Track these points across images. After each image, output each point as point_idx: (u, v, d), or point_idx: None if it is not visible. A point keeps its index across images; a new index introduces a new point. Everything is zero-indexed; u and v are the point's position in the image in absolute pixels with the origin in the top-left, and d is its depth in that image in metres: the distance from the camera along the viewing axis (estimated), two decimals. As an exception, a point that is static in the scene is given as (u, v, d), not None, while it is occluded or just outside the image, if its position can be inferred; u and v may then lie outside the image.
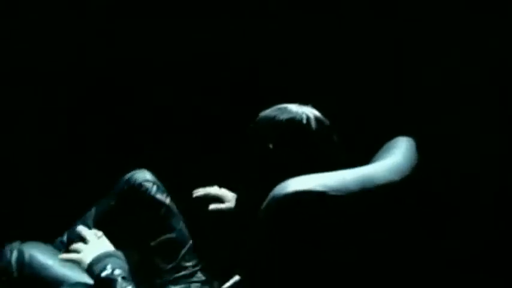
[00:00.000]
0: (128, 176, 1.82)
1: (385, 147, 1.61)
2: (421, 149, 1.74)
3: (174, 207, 1.78)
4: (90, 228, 1.72)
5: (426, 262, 2.25)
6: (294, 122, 1.33)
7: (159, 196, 1.75)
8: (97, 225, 1.76)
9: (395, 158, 1.47)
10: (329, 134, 1.37)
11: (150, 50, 2.59)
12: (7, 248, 1.62)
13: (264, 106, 1.59)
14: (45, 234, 2.46)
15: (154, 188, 1.77)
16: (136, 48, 2.59)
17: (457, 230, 2.39)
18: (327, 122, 1.38)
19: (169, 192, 1.89)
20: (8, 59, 2.51)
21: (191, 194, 2.09)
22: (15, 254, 1.56)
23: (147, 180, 1.78)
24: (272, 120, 1.36)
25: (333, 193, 1.15)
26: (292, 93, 2.40)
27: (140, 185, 1.77)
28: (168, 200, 1.76)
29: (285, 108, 1.37)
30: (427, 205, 2.35)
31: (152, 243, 1.68)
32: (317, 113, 1.38)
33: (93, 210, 1.87)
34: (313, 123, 1.34)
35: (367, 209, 1.25)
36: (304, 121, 1.33)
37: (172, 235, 1.70)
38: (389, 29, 2.48)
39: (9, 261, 1.55)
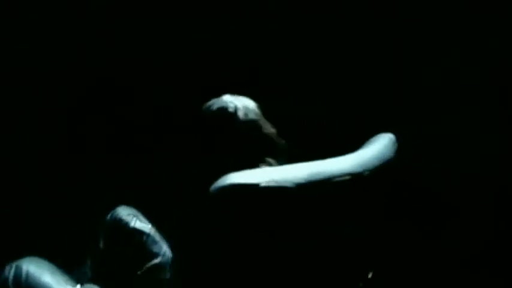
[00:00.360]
0: (109, 214, 1.85)
1: (364, 144, 1.62)
2: (421, 149, 1.74)
3: (156, 234, 1.81)
4: (88, 276, 1.74)
5: (419, 259, 2.26)
6: (222, 111, 1.36)
7: (139, 226, 1.78)
8: (93, 270, 1.78)
9: (362, 151, 1.48)
10: (258, 124, 1.38)
11: (150, 50, 2.59)
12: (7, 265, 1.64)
13: (263, 106, 1.59)
14: (44, 234, 2.46)
15: (134, 219, 1.81)
16: (136, 48, 2.59)
17: (457, 230, 2.39)
18: (258, 112, 1.41)
19: (170, 192, 1.90)
20: (8, 59, 2.51)
21: (191, 194, 2.09)
22: (13, 270, 1.57)
23: (128, 214, 1.82)
24: (206, 110, 1.40)
25: (274, 185, 1.17)
26: (292, 93, 2.40)
27: (120, 219, 1.80)
28: (148, 229, 1.80)
29: (220, 99, 1.41)
30: (427, 205, 2.35)
31: (139, 272, 1.72)
32: (248, 104, 1.41)
33: (88, 260, 1.90)
34: (240, 113, 1.37)
35: (319, 200, 1.26)
36: (232, 110, 1.36)
37: (157, 261, 1.74)
38: (389, 29, 2.48)
39: (7, 278, 1.56)
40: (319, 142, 1.79)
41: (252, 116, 1.41)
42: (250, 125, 1.39)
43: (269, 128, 1.42)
